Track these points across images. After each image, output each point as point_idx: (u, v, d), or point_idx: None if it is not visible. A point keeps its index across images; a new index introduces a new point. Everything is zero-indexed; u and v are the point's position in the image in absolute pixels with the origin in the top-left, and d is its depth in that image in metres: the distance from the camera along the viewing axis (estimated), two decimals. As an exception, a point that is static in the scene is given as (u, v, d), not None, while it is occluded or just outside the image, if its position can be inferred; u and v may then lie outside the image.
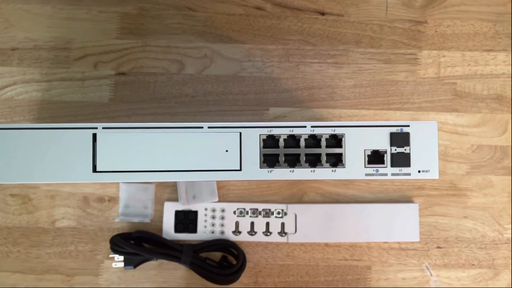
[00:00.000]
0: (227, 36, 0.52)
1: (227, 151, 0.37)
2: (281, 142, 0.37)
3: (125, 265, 0.48)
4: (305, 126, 0.37)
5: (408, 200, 0.51)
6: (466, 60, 0.52)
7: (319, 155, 0.37)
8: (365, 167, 0.37)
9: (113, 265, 0.49)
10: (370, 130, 0.37)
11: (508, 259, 0.51)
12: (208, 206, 0.50)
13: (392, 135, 0.37)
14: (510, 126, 0.52)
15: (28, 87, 0.51)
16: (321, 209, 0.50)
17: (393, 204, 0.50)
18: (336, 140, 0.37)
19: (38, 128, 0.36)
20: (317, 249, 0.51)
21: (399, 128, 0.37)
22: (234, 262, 0.49)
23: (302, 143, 0.37)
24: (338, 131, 0.37)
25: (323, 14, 0.52)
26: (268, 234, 0.50)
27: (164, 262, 0.50)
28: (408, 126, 0.37)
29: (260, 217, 0.50)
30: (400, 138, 0.37)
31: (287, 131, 0.37)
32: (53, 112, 0.51)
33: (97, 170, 0.36)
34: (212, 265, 0.48)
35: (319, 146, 0.37)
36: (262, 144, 0.37)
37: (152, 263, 0.50)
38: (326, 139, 0.37)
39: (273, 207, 0.50)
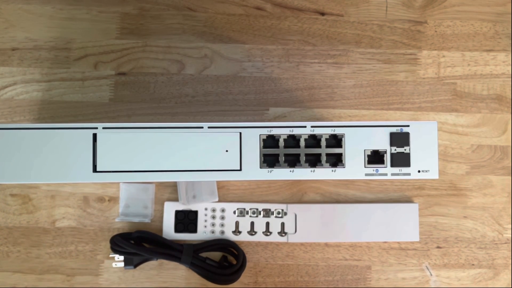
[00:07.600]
0: (227, 36, 0.52)
1: (227, 151, 0.37)
2: (281, 142, 0.37)
3: (125, 265, 0.48)
4: (305, 126, 0.37)
5: (408, 200, 0.51)
6: (466, 60, 0.52)
7: (319, 155, 0.37)
8: (365, 167, 0.37)
9: (113, 265, 0.49)
10: (370, 130, 0.37)
11: (508, 259, 0.51)
12: (208, 206, 0.50)
13: (392, 135, 0.37)
14: (509, 126, 0.52)
15: (29, 87, 0.51)
16: (321, 209, 0.50)
17: (393, 204, 0.50)
18: (336, 140, 0.37)
19: (39, 128, 0.36)
20: (317, 249, 0.51)
21: (399, 128, 0.37)
22: (234, 262, 0.49)
23: (302, 143, 0.37)
24: (338, 131, 0.37)
25: (323, 14, 0.52)
26: (268, 234, 0.50)
27: (164, 262, 0.50)
28: (408, 126, 0.37)
29: (260, 217, 0.50)
30: (400, 138, 0.37)
31: (287, 131, 0.37)
32: (54, 112, 0.51)
33: (97, 170, 0.36)
34: (212, 265, 0.48)
35: (319, 146, 0.37)
36: (262, 144, 0.37)
37: (152, 263, 0.50)
38: (326, 139, 0.37)
39: (273, 207, 0.50)
